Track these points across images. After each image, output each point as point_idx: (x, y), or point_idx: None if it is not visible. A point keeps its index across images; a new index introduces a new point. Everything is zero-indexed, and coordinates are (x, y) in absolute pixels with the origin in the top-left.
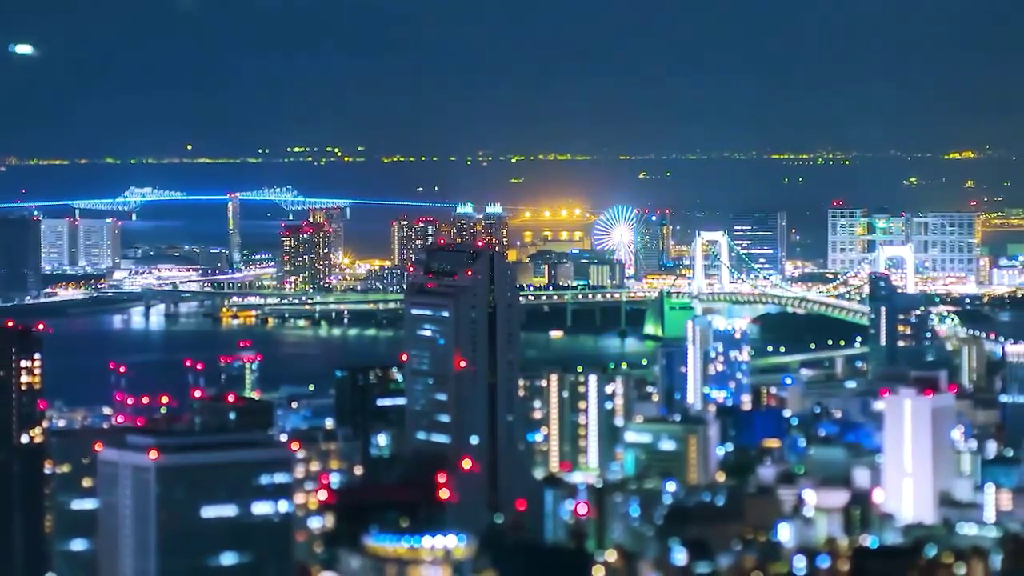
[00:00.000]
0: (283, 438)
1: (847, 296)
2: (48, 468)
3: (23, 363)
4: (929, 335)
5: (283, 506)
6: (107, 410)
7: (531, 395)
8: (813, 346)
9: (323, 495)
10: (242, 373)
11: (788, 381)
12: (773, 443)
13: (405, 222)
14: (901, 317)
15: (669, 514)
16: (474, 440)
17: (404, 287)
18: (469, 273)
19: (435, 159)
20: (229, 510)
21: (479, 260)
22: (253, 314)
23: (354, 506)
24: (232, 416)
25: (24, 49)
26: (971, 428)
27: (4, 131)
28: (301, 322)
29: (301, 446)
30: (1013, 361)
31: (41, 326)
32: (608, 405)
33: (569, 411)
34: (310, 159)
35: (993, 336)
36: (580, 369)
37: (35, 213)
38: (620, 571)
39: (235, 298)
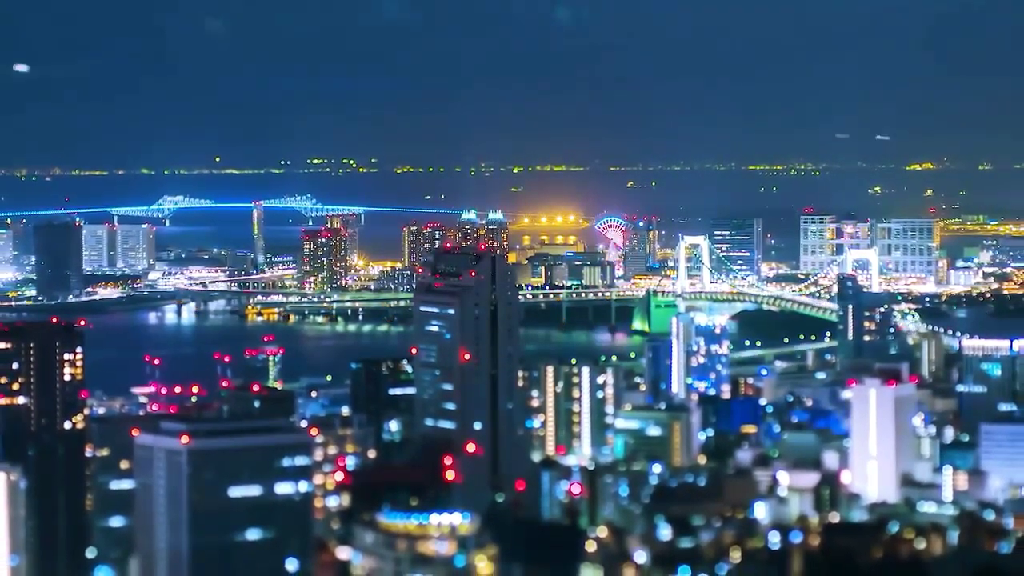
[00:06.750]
0: (303, 424)
1: (817, 295)
2: (89, 452)
3: (66, 356)
4: (892, 330)
5: (303, 486)
6: (143, 398)
7: (529, 385)
8: (786, 340)
9: (340, 476)
10: (266, 365)
11: (764, 372)
12: (750, 429)
13: (414, 227)
14: (867, 314)
15: (655, 494)
16: (477, 426)
17: (413, 287)
18: (473, 274)
19: (442, 170)
20: (254, 490)
21: (482, 262)
22: (276, 311)
23: (368, 486)
24: (257, 404)
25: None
26: (930, 415)
27: (49, 145)
28: (319, 318)
29: (319, 431)
30: (968, 354)
31: (82, 322)
32: (600, 394)
33: (564, 400)
34: (328, 170)
35: (950, 331)
36: (574, 361)
37: (77, 219)
38: (610, 546)
39: (259, 297)
